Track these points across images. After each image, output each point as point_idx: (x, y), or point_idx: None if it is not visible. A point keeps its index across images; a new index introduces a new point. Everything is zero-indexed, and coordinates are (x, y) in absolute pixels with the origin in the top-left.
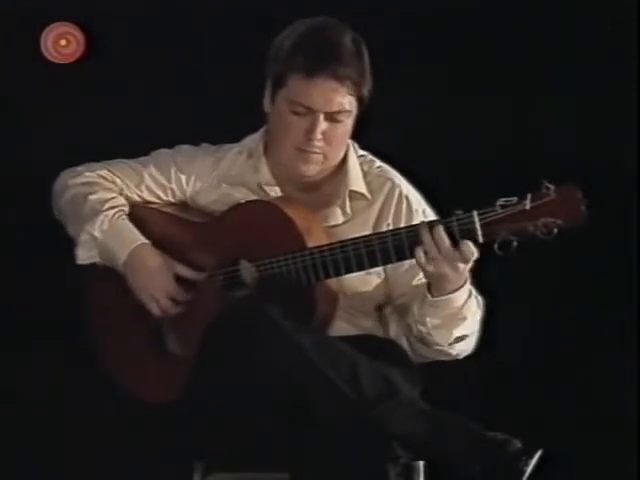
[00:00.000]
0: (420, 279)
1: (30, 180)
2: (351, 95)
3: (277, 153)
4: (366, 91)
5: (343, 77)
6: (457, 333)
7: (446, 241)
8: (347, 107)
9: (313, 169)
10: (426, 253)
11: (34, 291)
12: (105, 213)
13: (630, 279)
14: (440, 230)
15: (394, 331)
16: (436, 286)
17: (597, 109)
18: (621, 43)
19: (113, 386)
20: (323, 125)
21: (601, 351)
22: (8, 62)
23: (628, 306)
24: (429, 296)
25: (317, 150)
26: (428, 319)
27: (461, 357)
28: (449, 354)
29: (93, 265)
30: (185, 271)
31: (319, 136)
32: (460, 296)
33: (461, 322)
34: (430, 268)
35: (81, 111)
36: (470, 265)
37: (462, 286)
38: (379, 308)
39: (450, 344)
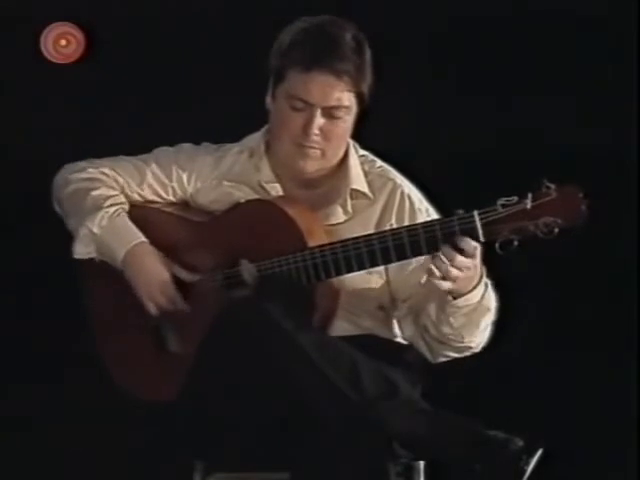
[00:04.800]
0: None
1: (30, 180)
2: (349, 91)
3: (277, 149)
4: (365, 87)
5: (341, 72)
6: (484, 323)
7: (457, 257)
8: (345, 103)
9: (311, 165)
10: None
11: (33, 289)
12: (106, 210)
13: (630, 279)
14: (447, 249)
15: (409, 332)
16: (454, 290)
17: (597, 108)
18: (621, 42)
19: (113, 386)
20: (320, 120)
21: (601, 351)
22: (8, 62)
23: (628, 306)
24: (450, 299)
25: (314, 145)
26: (452, 319)
27: (478, 350)
28: (469, 348)
29: (92, 264)
30: (180, 272)
31: (316, 131)
32: (478, 291)
33: (486, 312)
34: (446, 284)
35: (81, 111)
36: (479, 259)
37: (479, 282)
38: (381, 308)
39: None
